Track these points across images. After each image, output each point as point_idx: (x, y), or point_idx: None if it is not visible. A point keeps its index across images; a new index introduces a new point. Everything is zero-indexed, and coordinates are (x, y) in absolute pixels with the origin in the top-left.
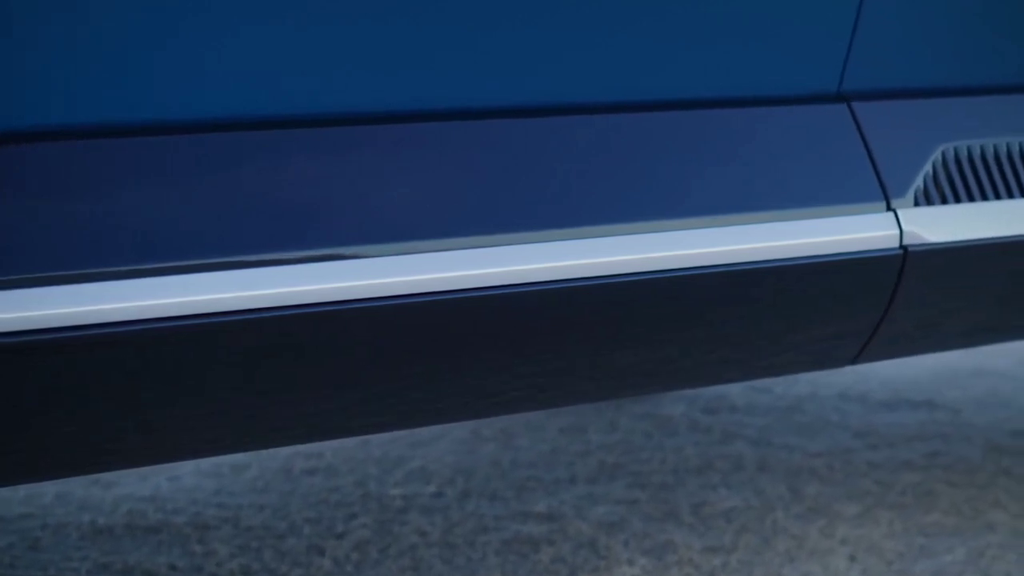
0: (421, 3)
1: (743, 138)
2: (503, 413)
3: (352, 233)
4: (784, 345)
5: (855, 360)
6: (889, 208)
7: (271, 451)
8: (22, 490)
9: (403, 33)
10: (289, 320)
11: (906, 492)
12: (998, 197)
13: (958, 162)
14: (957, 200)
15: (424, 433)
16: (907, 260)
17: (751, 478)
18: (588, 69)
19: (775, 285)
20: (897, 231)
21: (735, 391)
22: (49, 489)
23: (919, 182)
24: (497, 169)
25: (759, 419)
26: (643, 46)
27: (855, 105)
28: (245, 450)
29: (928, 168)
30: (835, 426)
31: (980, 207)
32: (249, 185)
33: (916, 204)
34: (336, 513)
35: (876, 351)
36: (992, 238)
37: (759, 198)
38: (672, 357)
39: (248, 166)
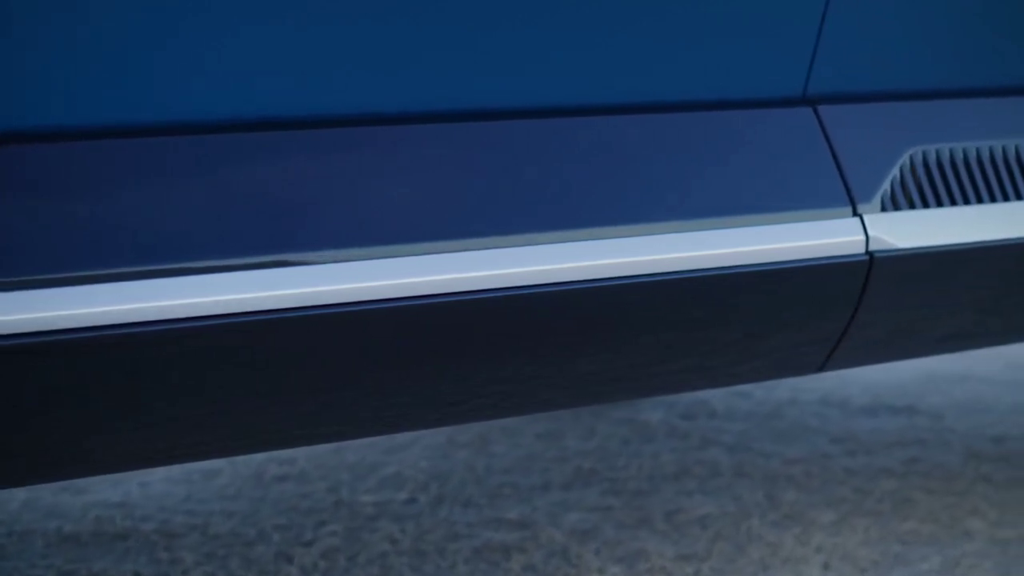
0: (408, 5)
1: (706, 142)
2: (467, 421)
3: (307, 239)
4: (749, 352)
5: (821, 368)
6: (855, 213)
7: (244, 457)
8: None
9: (388, 35)
10: (241, 327)
11: (883, 499)
12: (968, 202)
13: (927, 166)
14: (926, 205)
15: (400, 438)
16: (873, 266)
17: (728, 484)
18: (548, 73)
19: (739, 291)
20: (863, 237)
21: (715, 396)
22: (18, 495)
23: (886, 187)
24: (450, 174)
25: (738, 425)
26: (605, 49)
27: (821, 109)
28: (216, 457)
29: (896, 172)
30: (814, 432)
31: (949, 212)
32: (209, 191)
33: (883, 209)
34: (306, 520)
35: (843, 359)
36: (960, 244)
37: (723, 203)
38: (634, 364)
39: (211, 173)
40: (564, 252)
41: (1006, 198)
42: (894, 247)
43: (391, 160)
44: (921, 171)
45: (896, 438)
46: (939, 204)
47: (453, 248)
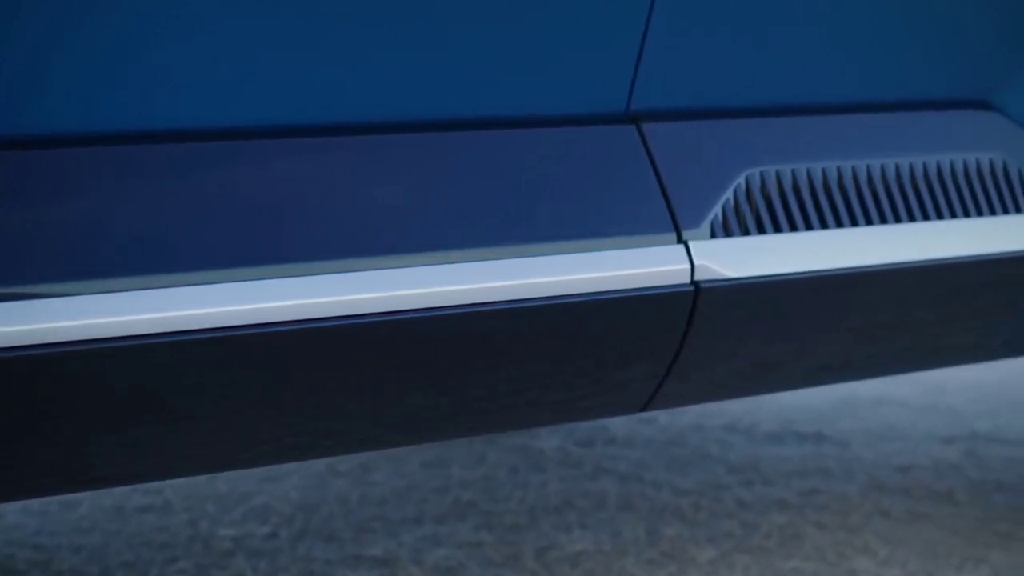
0: None
1: (518, 162)
2: (275, 462)
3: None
4: (563, 391)
5: (645, 407)
6: (680, 240)
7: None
8: None
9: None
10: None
11: (771, 534)
12: (811, 227)
13: (765, 189)
14: (762, 231)
15: (277, 467)
16: (699, 297)
17: (610, 518)
18: (356, 88)
19: (554, 324)
20: (688, 265)
21: (617, 422)
22: None
23: (717, 211)
24: (244, 196)
25: (635, 452)
26: (410, 62)
27: (645, 127)
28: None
29: (728, 196)
30: (713, 460)
31: (785, 239)
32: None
33: (713, 236)
34: (156, 556)
35: (669, 396)
36: (796, 273)
37: (536, 228)
38: (439, 403)
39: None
40: (349, 283)
41: (854, 223)
42: (722, 276)
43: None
44: (758, 195)
45: (797, 467)
46: (778, 230)
47: (252, 276)
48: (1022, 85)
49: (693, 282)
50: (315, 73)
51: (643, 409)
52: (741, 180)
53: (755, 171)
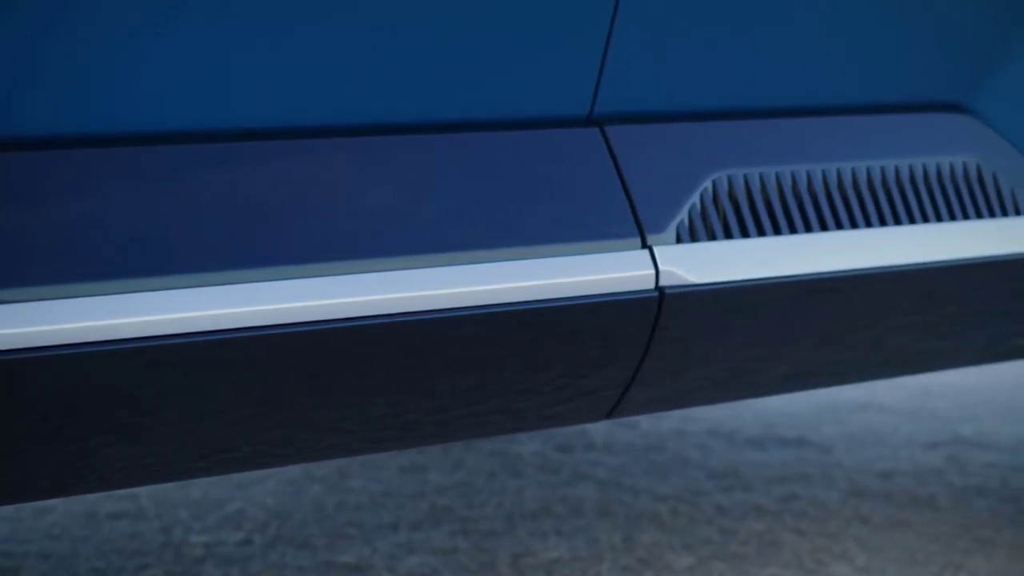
0: None
1: (479, 166)
2: (234, 471)
3: None
4: (528, 398)
5: (610, 414)
6: (645, 245)
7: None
8: None
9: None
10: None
11: (748, 541)
12: (779, 232)
13: (732, 193)
14: (729, 236)
15: (253, 472)
16: (664, 303)
17: (588, 525)
18: (301, 92)
19: (516, 330)
20: (652, 271)
21: (596, 426)
22: None
23: (683, 216)
24: (192, 200)
25: (615, 458)
26: (370, 66)
27: (609, 129)
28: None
29: (695, 200)
30: (693, 466)
31: (752, 244)
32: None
33: (679, 241)
34: (127, 563)
35: (634, 404)
36: (763, 278)
37: (497, 233)
38: (401, 412)
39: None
40: (304, 289)
41: (824, 227)
42: (688, 282)
43: None
44: (726, 199)
45: (778, 472)
46: (746, 235)
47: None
48: (996, 88)
49: (658, 288)
50: (276, 76)
51: (608, 416)
52: (708, 184)
53: (723, 175)
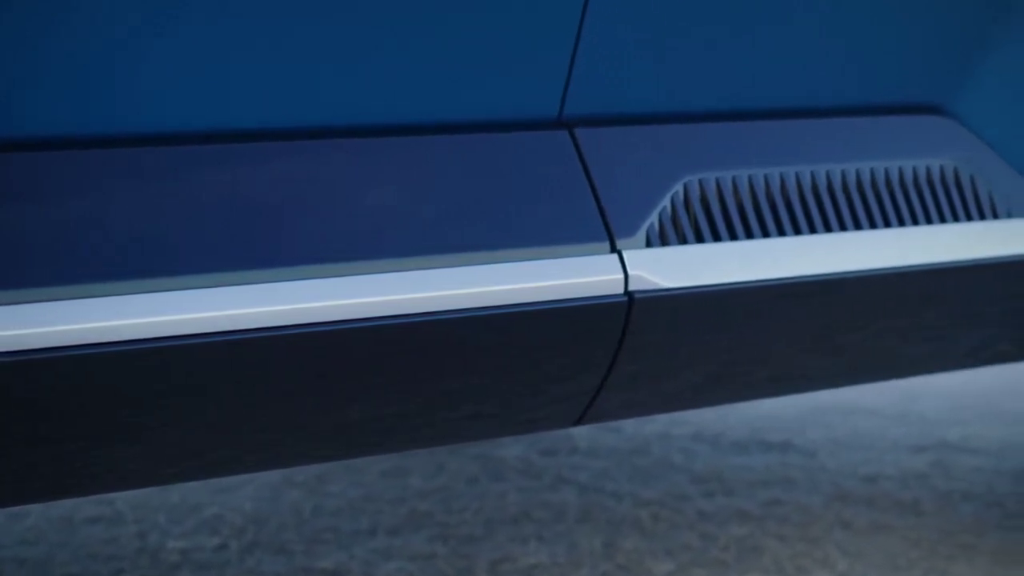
0: None
1: (446, 168)
2: (200, 478)
3: None
4: (497, 404)
5: (579, 421)
6: (614, 249)
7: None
8: None
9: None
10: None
11: (729, 547)
12: (751, 236)
13: (704, 197)
14: (701, 240)
15: (232, 477)
16: (633, 308)
17: (568, 530)
18: (265, 94)
19: (484, 335)
20: (622, 275)
21: (581, 430)
22: None
23: (653, 220)
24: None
25: (598, 462)
26: (337, 67)
27: (578, 132)
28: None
29: (666, 204)
30: (677, 470)
31: (724, 248)
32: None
33: (649, 245)
34: (103, 568)
35: (604, 410)
36: (735, 283)
37: (464, 237)
38: (369, 418)
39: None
40: (270, 295)
41: (798, 231)
42: (657, 287)
43: None
44: (697, 203)
45: (761, 477)
46: (717, 239)
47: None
48: (974, 90)
49: (627, 292)
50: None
51: (579, 422)
52: (679, 187)
53: (694, 178)
